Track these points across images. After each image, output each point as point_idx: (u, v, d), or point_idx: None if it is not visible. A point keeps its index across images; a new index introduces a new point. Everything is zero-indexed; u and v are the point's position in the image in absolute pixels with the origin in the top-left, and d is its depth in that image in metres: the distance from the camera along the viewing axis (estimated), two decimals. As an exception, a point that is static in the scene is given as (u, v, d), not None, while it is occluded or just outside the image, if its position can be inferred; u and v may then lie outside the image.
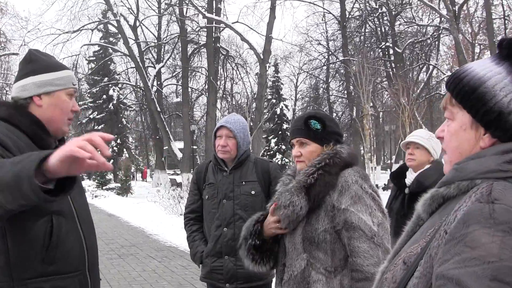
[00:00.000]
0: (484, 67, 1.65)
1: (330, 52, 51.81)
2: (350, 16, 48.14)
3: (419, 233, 1.72)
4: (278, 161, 49.06)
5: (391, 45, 45.45)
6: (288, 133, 46.19)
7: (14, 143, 2.51)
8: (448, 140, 1.74)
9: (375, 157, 34.14)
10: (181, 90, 43.96)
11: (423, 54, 46.34)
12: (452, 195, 1.64)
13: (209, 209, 4.68)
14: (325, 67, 53.61)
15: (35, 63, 2.81)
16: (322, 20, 51.53)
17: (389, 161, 62.08)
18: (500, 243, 1.37)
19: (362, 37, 48.16)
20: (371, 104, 30.80)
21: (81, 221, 2.76)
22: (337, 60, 49.27)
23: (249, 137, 4.75)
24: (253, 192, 4.56)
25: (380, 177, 41.85)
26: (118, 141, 56.12)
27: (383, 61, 47.47)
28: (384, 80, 47.50)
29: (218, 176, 4.68)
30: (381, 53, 47.78)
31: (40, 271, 2.49)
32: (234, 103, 49.36)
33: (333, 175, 3.13)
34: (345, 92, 49.57)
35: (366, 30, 48.76)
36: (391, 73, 44.87)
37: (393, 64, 46.22)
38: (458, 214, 1.51)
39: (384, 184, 33.76)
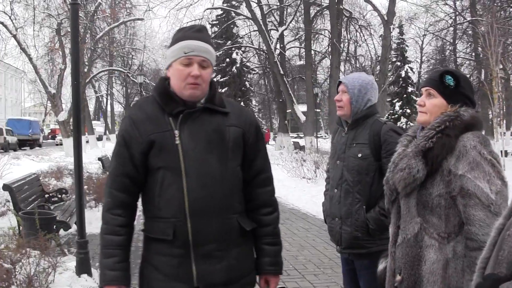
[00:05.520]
0: None
1: (457, 12, 49.84)
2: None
3: None
4: (403, 125, 48.02)
5: (524, 2, 43.05)
6: (413, 97, 44.14)
7: (135, 122, 3.09)
8: None
9: (504, 122, 32.54)
10: (304, 53, 43.75)
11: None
12: None
13: (331, 168, 4.67)
14: (451, 28, 51.72)
15: (172, 40, 3.18)
16: (449, -22, 49.57)
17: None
18: None
19: (492, -5, 45.90)
20: (501, 66, 29.32)
21: (190, 175, 3.02)
22: (465, 20, 47.32)
23: (369, 95, 4.42)
24: (359, 155, 4.30)
25: (509, 142, 39.94)
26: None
27: (515, 20, 44.95)
28: (515, 40, 45.16)
29: (339, 135, 4.59)
30: (512, 12, 45.39)
31: (153, 212, 3.12)
32: (357, 65, 48.71)
33: (452, 138, 3.05)
34: (473, 54, 47.61)
35: (497, -12, 46.43)
36: (523, 33, 42.53)
37: (526, 23, 43.72)
38: None
39: (514, 150, 32.27)
